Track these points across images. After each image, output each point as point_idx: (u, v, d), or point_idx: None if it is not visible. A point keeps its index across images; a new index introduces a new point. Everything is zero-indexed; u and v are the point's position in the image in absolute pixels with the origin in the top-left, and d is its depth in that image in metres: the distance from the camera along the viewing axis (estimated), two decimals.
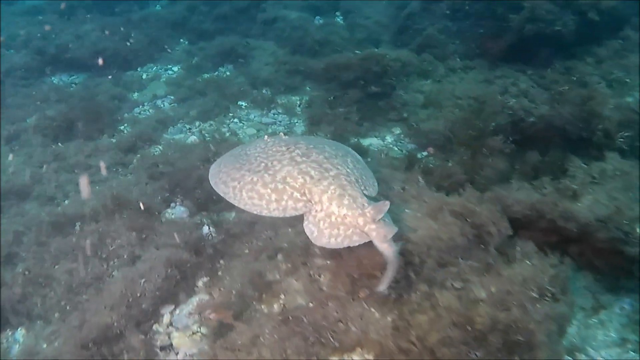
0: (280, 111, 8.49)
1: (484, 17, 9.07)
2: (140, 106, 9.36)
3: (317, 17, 11.83)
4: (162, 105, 9.29)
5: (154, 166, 6.44)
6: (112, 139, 8.11)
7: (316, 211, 3.79)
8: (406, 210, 4.89)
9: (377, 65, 7.88)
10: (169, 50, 11.01)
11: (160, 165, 6.42)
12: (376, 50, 8.75)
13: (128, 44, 11.04)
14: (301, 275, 4.44)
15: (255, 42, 10.64)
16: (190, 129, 8.27)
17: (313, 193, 3.84)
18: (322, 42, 10.05)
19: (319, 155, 4.14)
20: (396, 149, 7.36)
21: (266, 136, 4.61)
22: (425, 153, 7.20)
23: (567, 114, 6.58)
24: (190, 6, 12.16)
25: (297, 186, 3.89)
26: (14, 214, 5.91)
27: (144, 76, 10.61)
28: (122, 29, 11.27)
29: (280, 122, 8.17)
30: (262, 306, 4.29)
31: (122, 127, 8.61)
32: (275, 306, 4.23)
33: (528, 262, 4.56)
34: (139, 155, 7.32)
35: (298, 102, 8.71)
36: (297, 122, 8.22)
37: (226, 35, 10.99)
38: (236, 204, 4.04)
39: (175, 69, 10.72)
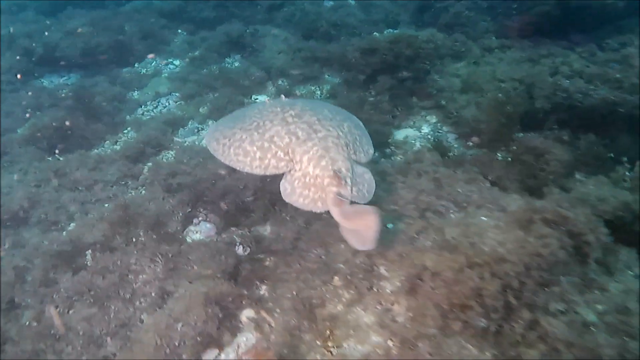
0: None
1: None
2: (143, 106, 8.44)
3: None
4: (167, 104, 8.37)
5: (169, 177, 5.59)
6: (116, 146, 7.25)
7: (295, 170, 3.85)
8: (482, 218, 4.18)
9: (408, 48, 7.06)
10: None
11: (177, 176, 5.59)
12: (407, 32, 7.83)
13: (122, 37, 10.04)
14: (369, 305, 3.73)
15: (263, 29, 9.68)
16: (202, 129, 7.39)
17: (296, 153, 3.88)
18: (337, 25, 9.16)
19: (311, 117, 4.11)
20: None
21: (267, 99, 4.60)
22: (469, 143, 6.46)
23: (630, 94, 5.90)
24: None
25: (282, 145, 3.93)
26: (12, 244, 4.97)
27: (143, 72, 9.65)
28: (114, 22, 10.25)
29: None
30: (329, 344, 3.55)
31: (125, 131, 7.73)
32: (346, 346, 3.48)
33: (631, 272, 3.96)
34: (150, 164, 6.44)
35: (318, 92, 7.85)
36: None
37: (229, 23, 10.03)
38: (222, 160, 4.07)
39: (177, 62, 9.77)
